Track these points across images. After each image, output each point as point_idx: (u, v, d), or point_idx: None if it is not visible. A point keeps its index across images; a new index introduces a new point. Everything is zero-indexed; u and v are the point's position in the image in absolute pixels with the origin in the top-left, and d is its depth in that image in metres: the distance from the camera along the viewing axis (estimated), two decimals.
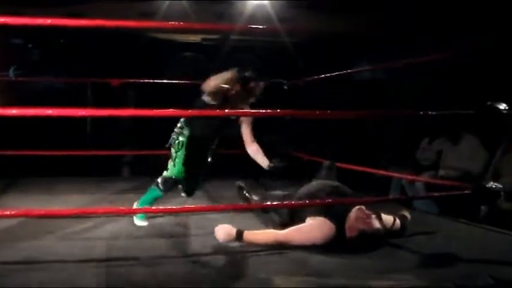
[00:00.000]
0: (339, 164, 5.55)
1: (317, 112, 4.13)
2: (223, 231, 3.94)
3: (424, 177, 6.34)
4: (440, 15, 7.17)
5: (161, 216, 4.86)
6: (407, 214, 4.61)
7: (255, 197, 5.08)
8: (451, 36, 6.51)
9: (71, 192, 6.27)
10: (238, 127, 4.65)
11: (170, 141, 4.77)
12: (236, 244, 3.92)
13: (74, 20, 3.93)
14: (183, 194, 4.78)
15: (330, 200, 4.16)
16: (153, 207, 4.61)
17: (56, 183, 6.81)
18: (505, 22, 6.04)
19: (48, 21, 3.45)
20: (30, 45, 9.40)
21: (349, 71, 6.84)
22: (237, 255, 3.78)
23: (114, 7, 7.55)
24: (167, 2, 7.86)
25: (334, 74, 6.14)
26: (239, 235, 3.91)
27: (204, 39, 9.55)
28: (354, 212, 4.01)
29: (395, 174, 6.46)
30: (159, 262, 3.59)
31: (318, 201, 4.14)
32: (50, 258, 3.60)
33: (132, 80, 7.27)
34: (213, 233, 4.01)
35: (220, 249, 3.87)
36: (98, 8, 7.57)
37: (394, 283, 3.16)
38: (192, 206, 4.42)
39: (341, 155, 6.21)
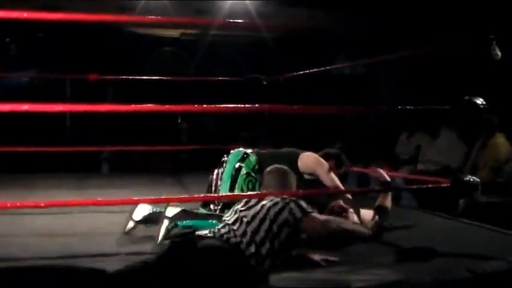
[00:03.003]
0: None
1: (295, 107, 4.13)
2: None
3: (403, 172, 6.36)
4: (420, 11, 7.21)
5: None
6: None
7: None
8: (431, 32, 6.57)
9: (48, 188, 6.20)
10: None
11: None
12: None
13: (50, 13, 3.89)
14: None
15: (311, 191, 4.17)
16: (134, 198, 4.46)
17: (33, 179, 6.74)
18: (482, 19, 6.09)
19: (24, 14, 3.40)
20: (7, 40, 9.33)
21: (327, 67, 6.85)
22: None
23: (94, 2, 7.50)
24: None
25: (313, 70, 6.13)
26: None
27: (183, 34, 9.53)
28: (331, 204, 4.07)
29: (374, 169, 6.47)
30: (136, 258, 3.56)
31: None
32: (25, 255, 3.56)
33: (110, 76, 7.22)
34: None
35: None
36: (76, 2, 7.51)
37: (371, 277, 3.16)
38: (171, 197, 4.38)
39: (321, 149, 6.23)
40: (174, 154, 8.85)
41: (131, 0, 7.79)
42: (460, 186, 3.85)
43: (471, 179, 3.85)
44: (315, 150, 4.67)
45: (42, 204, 3.72)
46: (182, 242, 3.26)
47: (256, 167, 4.36)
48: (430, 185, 4.38)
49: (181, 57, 9.68)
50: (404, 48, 5.32)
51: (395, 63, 7.23)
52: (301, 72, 6.29)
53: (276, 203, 3.31)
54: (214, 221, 4.02)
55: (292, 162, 4.43)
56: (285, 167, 4.00)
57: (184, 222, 4.01)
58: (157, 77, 7.64)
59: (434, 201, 5.43)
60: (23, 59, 9.39)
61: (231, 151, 4.53)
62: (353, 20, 8.13)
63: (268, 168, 4.01)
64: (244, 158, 4.38)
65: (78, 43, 8.85)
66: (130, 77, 7.21)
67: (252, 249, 3.10)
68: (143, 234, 4.17)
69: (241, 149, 4.52)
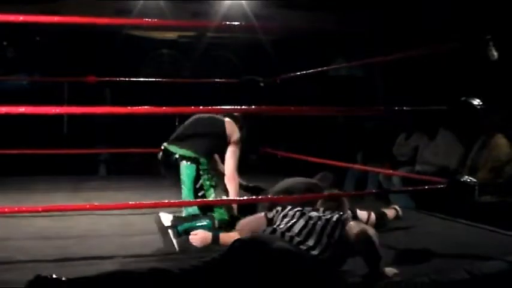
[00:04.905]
0: (316, 160, 5.57)
1: (292, 108, 4.13)
2: (199, 236, 3.90)
3: (401, 172, 6.35)
4: (417, 11, 7.21)
5: (135, 214, 4.81)
6: (388, 212, 4.62)
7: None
8: (428, 33, 6.56)
9: (46, 190, 6.23)
10: None
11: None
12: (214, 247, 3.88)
13: (47, 16, 3.89)
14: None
15: (305, 196, 4.16)
16: (130, 203, 4.40)
17: (31, 182, 6.75)
18: (478, 19, 6.09)
19: (21, 18, 3.40)
20: (4, 43, 9.32)
21: (325, 68, 6.85)
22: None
23: (89, 4, 7.49)
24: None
25: (310, 71, 6.14)
26: (215, 238, 3.87)
27: (180, 37, 9.53)
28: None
29: (372, 169, 6.48)
30: (134, 261, 3.56)
31: (293, 196, 4.14)
32: (23, 258, 3.56)
33: (108, 78, 7.22)
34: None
35: (197, 250, 3.84)
36: (73, 6, 7.51)
37: (368, 278, 3.16)
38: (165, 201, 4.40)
39: (318, 151, 6.23)
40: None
41: (129, 1, 7.79)
42: (456, 187, 3.84)
43: (468, 180, 3.84)
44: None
45: (40, 209, 3.73)
46: (252, 242, 3.09)
47: (209, 164, 4.41)
48: (426, 187, 4.37)
49: (179, 59, 9.68)
50: (402, 49, 5.31)
51: (392, 64, 7.22)
52: (298, 74, 6.30)
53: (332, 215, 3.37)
54: (205, 222, 4.07)
55: (221, 130, 4.51)
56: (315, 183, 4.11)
57: (181, 226, 4.02)
58: (155, 79, 7.65)
59: (432, 202, 5.43)
60: (21, 62, 9.38)
61: (182, 162, 4.38)
62: (350, 21, 8.14)
63: (303, 188, 4.19)
64: (198, 168, 4.34)
65: (75, 46, 8.85)
66: (128, 79, 7.21)
67: (315, 252, 3.10)
68: (141, 238, 4.18)
69: (188, 163, 4.37)
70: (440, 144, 6.43)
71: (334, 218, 3.28)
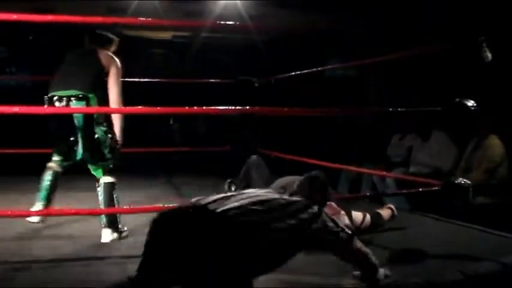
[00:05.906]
0: (311, 161, 5.56)
1: (285, 109, 4.12)
2: None
3: (395, 174, 6.35)
4: (412, 12, 7.21)
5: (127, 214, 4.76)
6: (383, 212, 4.61)
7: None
8: (422, 34, 6.56)
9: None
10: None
11: None
12: None
13: (40, 15, 3.88)
14: None
15: None
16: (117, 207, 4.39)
17: (23, 182, 6.71)
18: (478, 19, 6.09)
19: (14, 16, 3.40)
20: None
21: (319, 68, 6.84)
22: None
23: (83, 3, 7.46)
24: None
25: (304, 71, 6.13)
26: None
27: (174, 37, 9.51)
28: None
29: (367, 171, 6.47)
30: (127, 262, 3.55)
31: None
32: (13, 259, 3.54)
33: None
34: None
35: None
36: (66, 4, 7.47)
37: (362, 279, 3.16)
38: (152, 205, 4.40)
39: (313, 152, 6.21)
40: (166, 155, 8.82)
41: (123, 0, 7.76)
42: (451, 188, 3.85)
43: (462, 181, 3.85)
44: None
45: (34, 214, 3.75)
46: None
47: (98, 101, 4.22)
48: (421, 189, 4.37)
49: (173, 59, 9.67)
50: (400, 49, 5.31)
51: (387, 65, 7.22)
52: (293, 74, 6.30)
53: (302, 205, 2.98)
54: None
55: (97, 63, 4.41)
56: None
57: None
58: (149, 79, 7.62)
59: (426, 203, 5.43)
60: (14, 61, 9.35)
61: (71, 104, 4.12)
62: (347, 21, 8.13)
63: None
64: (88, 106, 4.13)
65: (68, 45, 8.82)
66: (122, 79, 7.17)
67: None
68: (132, 239, 4.17)
69: (76, 101, 4.12)
70: (434, 146, 6.43)
71: (301, 204, 2.96)
